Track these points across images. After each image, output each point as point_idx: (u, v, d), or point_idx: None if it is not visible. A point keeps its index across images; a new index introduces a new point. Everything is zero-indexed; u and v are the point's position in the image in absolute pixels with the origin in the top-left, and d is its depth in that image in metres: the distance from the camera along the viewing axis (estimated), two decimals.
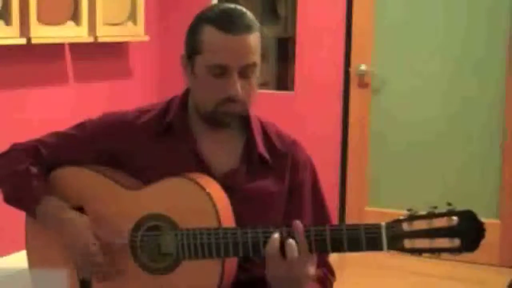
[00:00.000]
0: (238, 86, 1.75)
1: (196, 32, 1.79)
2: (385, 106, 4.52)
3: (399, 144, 4.51)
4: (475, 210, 1.60)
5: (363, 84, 4.51)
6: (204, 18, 1.78)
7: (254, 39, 1.77)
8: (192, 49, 1.80)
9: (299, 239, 1.65)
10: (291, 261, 1.65)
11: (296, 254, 1.64)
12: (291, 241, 1.65)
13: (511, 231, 4.31)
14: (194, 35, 1.79)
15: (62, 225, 1.83)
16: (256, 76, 1.81)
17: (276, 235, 1.66)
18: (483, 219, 1.60)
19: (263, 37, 1.83)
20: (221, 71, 1.75)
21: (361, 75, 4.49)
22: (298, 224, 1.66)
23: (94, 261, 1.80)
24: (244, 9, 1.81)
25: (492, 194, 4.33)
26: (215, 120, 1.82)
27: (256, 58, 1.78)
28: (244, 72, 1.76)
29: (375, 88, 4.51)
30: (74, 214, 1.85)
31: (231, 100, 1.77)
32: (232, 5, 1.81)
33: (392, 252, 1.65)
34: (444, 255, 1.62)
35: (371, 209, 4.53)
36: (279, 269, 1.66)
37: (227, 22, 1.75)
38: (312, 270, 1.69)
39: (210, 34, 1.76)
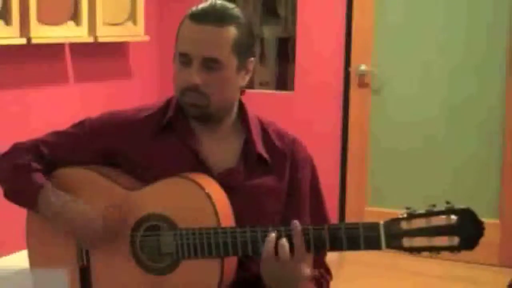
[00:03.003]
0: (195, 76, 1.77)
1: (180, 23, 1.84)
2: (385, 106, 4.52)
3: (399, 144, 4.51)
4: (475, 210, 1.60)
5: (363, 84, 4.51)
6: (188, 13, 1.82)
7: (222, 33, 1.77)
8: (175, 42, 1.84)
9: (296, 240, 1.66)
10: (284, 261, 1.65)
11: (287, 254, 1.65)
12: (283, 241, 1.65)
13: (511, 231, 4.31)
14: (178, 27, 1.84)
15: (64, 208, 1.83)
16: (229, 74, 1.79)
17: (273, 235, 1.67)
18: (483, 219, 1.60)
19: (246, 36, 1.81)
20: (186, 60, 1.78)
21: (361, 75, 4.49)
22: (296, 224, 1.66)
23: (97, 235, 1.81)
24: (229, 5, 1.82)
25: (492, 194, 4.33)
26: (186, 113, 1.84)
27: (220, 54, 1.77)
28: (207, 65, 1.77)
29: (375, 88, 4.51)
30: (75, 202, 1.84)
31: (190, 89, 1.78)
32: (220, 1, 1.82)
33: (390, 250, 1.65)
34: (444, 254, 1.62)
35: (371, 209, 4.53)
36: (273, 268, 1.67)
37: (199, 13, 1.78)
38: (307, 270, 1.69)
39: (184, 24, 1.81)
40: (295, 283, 1.69)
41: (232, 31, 1.78)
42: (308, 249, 1.67)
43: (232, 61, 1.80)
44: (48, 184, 1.87)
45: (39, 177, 1.88)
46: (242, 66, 1.83)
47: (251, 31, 1.84)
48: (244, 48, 1.82)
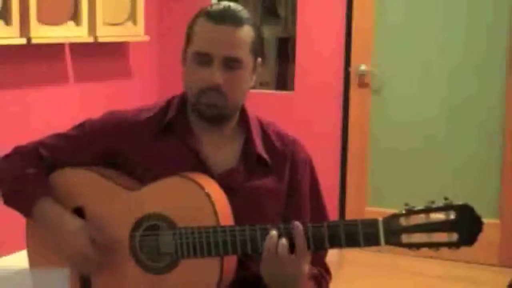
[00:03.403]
0: (217, 75, 1.77)
1: (191, 24, 1.84)
2: (385, 106, 4.52)
3: (399, 144, 4.51)
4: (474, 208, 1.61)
5: (363, 84, 4.51)
6: (201, 11, 1.84)
7: (241, 33, 1.79)
8: (186, 40, 1.85)
9: (298, 239, 1.66)
10: (283, 259, 1.65)
11: (287, 252, 1.65)
12: (283, 239, 1.66)
13: (511, 231, 4.31)
14: (189, 27, 1.84)
15: (57, 228, 1.84)
16: (246, 74, 1.82)
17: (274, 233, 1.67)
18: (483, 220, 1.60)
19: (258, 37, 1.84)
20: (205, 60, 1.78)
21: (361, 75, 4.49)
22: (297, 225, 1.66)
23: (88, 264, 1.81)
24: (241, 7, 1.84)
25: (492, 194, 4.33)
26: (200, 113, 1.84)
27: (241, 53, 1.79)
28: (228, 65, 1.78)
29: (375, 88, 4.51)
30: (69, 217, 1.85)
31: (211, 89, 1.78)
32: (232, 3, 1.84)
33: (390, 250, 1.65)
34: (444, 253, 1.62)
35: (371, 209, 4.53)
36: (273, 267, 1.67)
37: (217, 13, 1.79)
38: (306, 268, 1.69)
39: (200, 24, 1.81)
40: (295, 281, 1.70)
41: (249, 31, 1.81)
42: (308, 246, 1.67)
43: (250, 61, 1.83)
44: (45, 196, 1.87)
45: (34, 188, 1.88)
46: (255, 67, 1.86)
47: (260, 32, 1.87)
48: (258, 49, 1.84)
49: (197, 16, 1.84)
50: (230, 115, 1.86)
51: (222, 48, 1.78)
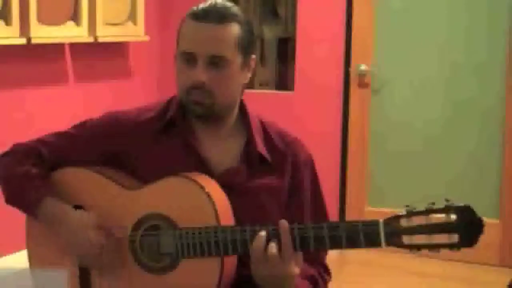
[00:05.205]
0: (201, 74, 1.77)
1: (180, 25, 1.85)
2: (385, 106, 4.52)
3: (399, 144, 4.51)
4: (474, 209, 1.60)
5: (363, 84, 4.51)
6: (188, 12, 1.83)
7: (225, 30, 1.78)
8: (176, 42, 1.85)
9: (283, 238, 1.66)
10: (272, 259, 1.66)
11: (276, 253, 1.66)
12: (272, 241, 1.67)
13: (511, 231, 4.31)
14: (179, 28, 1.85)
15: (63, 225, 1.83)
16: (234, 71, 1.81)
17: (263, 233, 1.68)
18: (483, 219, 1.60)
19: (248, 33, 1.83)
20: (190, 59, 1.79)
21: (361, 75, 4.49)
22: (283, 223, 1.67)
23: (96, 256, 1.81)
24: (230, 4, 1.84)
25: (492, 194, 4.32)
26: (190, 111, 1.84)
27: (225, 51, 1.78)
28: (213, 62, 1.78)
29: (375, 88, 4.51)
30: (75, 213, 1.84)
31: (196, 87, 1.79)
32: (220, 0, 1.83)
33: (391, 250, 1.65)
34: (444, 253, 1.62)
35: (371, 209, 4.53)
36: (263, 267, 1.68)
37: (201, 11, 1.80)
38: (296, 269, 1.69)
39: (186, 24, 1.82)
40: (286, 281, 1.70)
41: (235, 28, 1.80)
42: (308, 247, 1.67)
43: (237, 58, 1.82)
44: (48, 195, 1.86)
45: (38, 187, 1.87)
46: (245, 63, 1.85)
47: (251, 29, 1.86)
48: (246, 45, 1.83)
49: (185, 16, 1.84)
50: (221, 113, 1.86)
51: (205, 46, 1.78)
